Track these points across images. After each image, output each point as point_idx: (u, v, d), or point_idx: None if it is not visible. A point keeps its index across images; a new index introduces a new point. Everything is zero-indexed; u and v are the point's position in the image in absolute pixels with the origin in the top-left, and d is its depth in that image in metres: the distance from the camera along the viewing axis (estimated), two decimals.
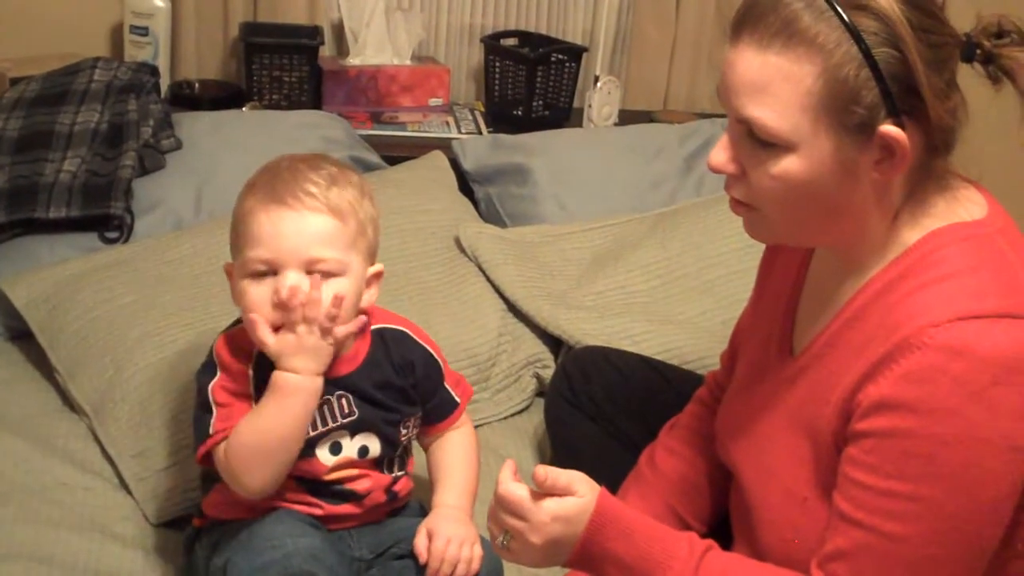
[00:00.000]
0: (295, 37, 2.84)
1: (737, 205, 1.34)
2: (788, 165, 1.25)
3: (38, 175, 2.30)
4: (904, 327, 1.23)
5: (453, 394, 1.70)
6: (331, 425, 1.57)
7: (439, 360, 1.70)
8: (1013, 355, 1.19)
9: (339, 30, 2.99)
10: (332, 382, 1.55)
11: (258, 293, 1.51)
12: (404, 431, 1.63)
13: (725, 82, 1.28)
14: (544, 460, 2.03)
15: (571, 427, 1.90)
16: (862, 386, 1.26)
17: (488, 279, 2.31)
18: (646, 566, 1.36)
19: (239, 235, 1.55)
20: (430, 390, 1.67)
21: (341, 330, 1.51)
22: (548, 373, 2.18)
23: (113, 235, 2.32)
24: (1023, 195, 2.03)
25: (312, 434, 1.55)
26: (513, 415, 2.17)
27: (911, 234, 1.30)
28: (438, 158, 2.62)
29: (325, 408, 1.56)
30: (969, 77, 1.31)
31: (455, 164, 2.65)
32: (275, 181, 1.54)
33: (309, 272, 1.50)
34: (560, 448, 1.92)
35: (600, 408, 1.87)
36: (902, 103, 1.22)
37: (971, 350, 1.19)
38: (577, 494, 1.37)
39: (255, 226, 1.52)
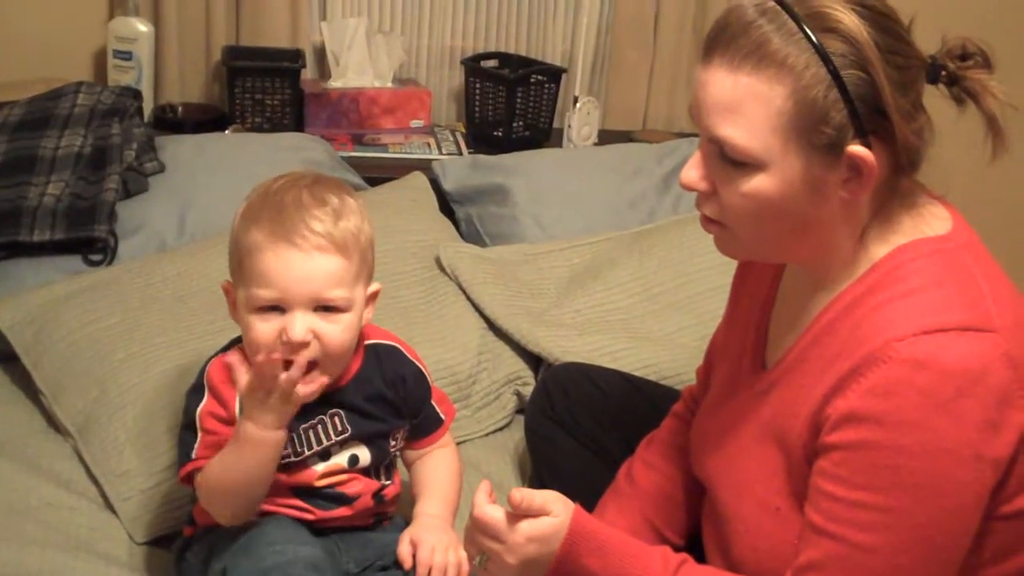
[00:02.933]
0: (277, 60, 2.86)
1: (708, 223, 1.37)
2: (758, 184, 1.28)
3: (22, 199, 2.32)
4: (870, 341, 1.26)
5: (439, 411, 1.74)
6: (324, 444, 1.60)
7: (428, 377, 1.73)
8: (976, 367, 1.22)
9: (321, 53, 3.02)
10: (324, 399, 1.58)
11: (264, 329, 1.53)
12: (393, 443, 1.67)
13: (697, 101, 1.30)
14: (524, 476, 2.05)
15: (551, 443, 1.92)
16: (830, 399, 1.29)
17: (468, 298, 2.34)
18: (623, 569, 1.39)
19: (244, 268, 1.56)
20: (418, 405, 1.70)
21: (304, 390, 1.51)
22: (528, 391, 2.20)
23: (97, 257, 2.34)
24: (987, 210, 2.06)
25: (307, 453, 1.59)
26: (494, 432, 2.20)
27: (878, 250, 1.33)
28: (418, 179, 2.65)
29: (319, 427, 1.60)
30: (935, 97, 1.34)
31: (436, 184, 2.68)
32: (281, 216, 1.54)
33: (316, 309, 1.53)
34: (540, 464, 1.95)
35: (580, 424, 1.89)
36: (869, 124, 1.25)
37: (935, 363, 1.22)
38: (552, 514, 1.40)
39: (262, 264, 1.53)
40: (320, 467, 1.60)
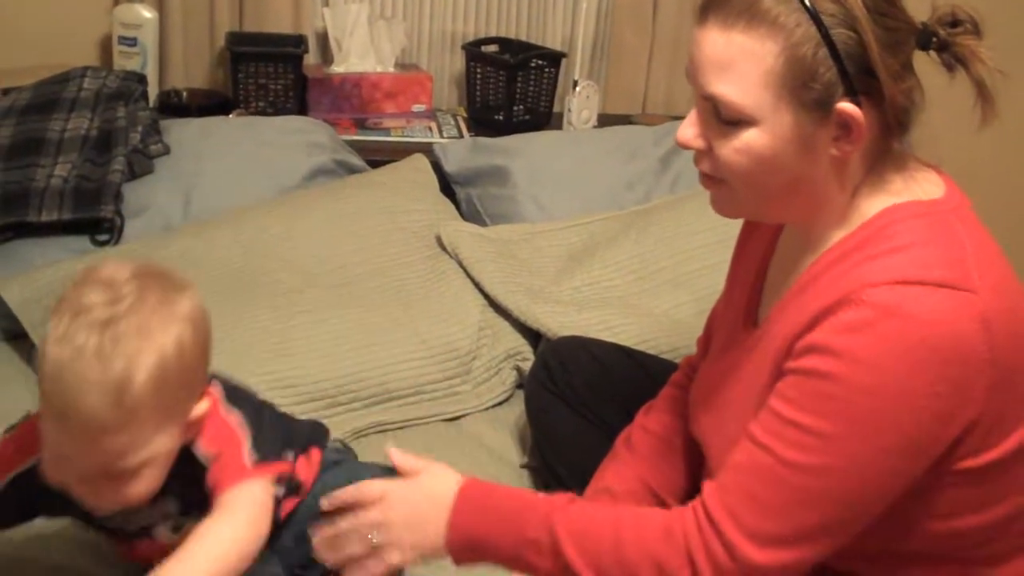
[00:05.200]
0: (280, 46, 2.90)
1: (706, 180, 1.40)
2: (750, 139, 1.31)
3: (30, 180, 2.36)
4: (848, 287, 1.29)
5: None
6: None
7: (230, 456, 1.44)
8: (946, 322, 1.24)
9: (323, 39, 3.06)
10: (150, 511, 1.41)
11: (62, 470, 1.31)
12: None
13: (692, 61, 1.34)
14: (525, 448, 2.09)
15: (551, 415, 1.95)
16: (801, 336, 1.31)
17: (469, 276, 2.37)
18: (514, 526, 1.42)
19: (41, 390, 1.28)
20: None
21: None
22: (528, 366, 2.23)
23: (104, 238, 2.39)
24: (980, 180, 2.10)
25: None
26: (494, 406, 2.23)
27: (869, 209, 1.36)
28: (420, 160, 2.69)
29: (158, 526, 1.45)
30: (926, 65, 1.37)
31: (437, 167, 2.71)
32: (58, 385, 1.24)
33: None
34: (540, 435, 1.97)
35: (579, 396, 1.92)
36: (858, 82, 1.28)
37: (906, 311, 1.24)
38: (427, 471, 1.47)
39: (44, 429, 1.29)
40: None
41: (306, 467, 1.54)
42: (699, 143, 1.36)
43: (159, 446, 1.31)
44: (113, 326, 1.25)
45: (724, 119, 1.32)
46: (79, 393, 1.23)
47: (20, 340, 2.24)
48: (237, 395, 1.46)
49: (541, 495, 1.49)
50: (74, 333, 1.24)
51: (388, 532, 1.43)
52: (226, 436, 1.40)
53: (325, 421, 2.02)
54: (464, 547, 1.43)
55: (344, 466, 1.60)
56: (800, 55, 1.27)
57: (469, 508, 1.43)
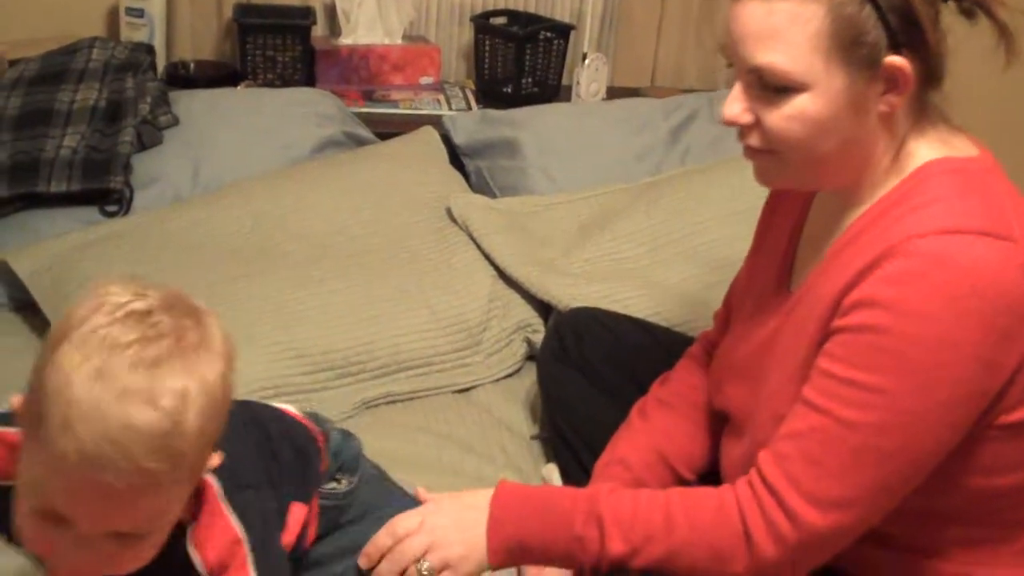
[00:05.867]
0: (288, 17, 2.89)
1: (752, 152, 1.39)
2: (802, 105, 1.31)
3: (39, 151, 2.36)
4: (892, 239, 1.29)
5: None
6: None
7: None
8: (991, 271, 1.25)
9: (331, 10, 3.04)
10: None
11: (40, 538, 1.14)
12: None
13: (733, 36, 1.33)
14: (535, 419, 2.09)
15: (564, 385, 1.94)
16: (847, 292, 1.32)
17: (479, 247, 2.37)
18: (559, 523, 1.41)
19: (41, 447, 1.08)
20: None
21: None
22: (538, 338, 2.23)
23: (113, 208, 2.39)
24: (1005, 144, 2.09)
25: None
26: (504, 378, 2.23)
27: (909, 164, 1.37)
28: (429, 133, 2.68)
29: None
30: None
31: (446, 139, 2.71)
32: (92, 426, 1.06)
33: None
34: (553, 405, 1.96)
35: (592, 366, 1.91)
36: (902, 35, 1.29)
37: (952, 260, 1.25)
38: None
39: (40, 478, 1.10)
40: None
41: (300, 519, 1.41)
42: (747, 118, 1.35)
43: (177, 503, 1.16)
44: (159, 366, 1.09)
45: (772, 88, 1.31)
46: (122, 439, 1.06)
47: (28, 310, 2.25)
48: (238, 480, 1.28)
49: (580, 489, 1.48)
50: (115, 371, 1.07)
51: (439, 551, 1.41)
52: (229, 546, 1.25)
53: (334, 392, 2.06)
54: (508, 550, 1.43)
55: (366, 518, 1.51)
56: (846, 14, 1.28)
57: (509, 511, 1.43)
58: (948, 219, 1.28)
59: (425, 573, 1.41)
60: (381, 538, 1.43)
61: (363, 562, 1.44)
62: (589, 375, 1.92)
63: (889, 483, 1.31)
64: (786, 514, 1.32)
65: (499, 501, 1.43)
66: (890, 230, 1.31)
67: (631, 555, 1.38)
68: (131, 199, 2.40)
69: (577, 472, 1.82)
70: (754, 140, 1.37)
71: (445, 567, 1.41)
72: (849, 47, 1.29)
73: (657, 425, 1.69)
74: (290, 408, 1.49)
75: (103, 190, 2.37)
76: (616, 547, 1.38)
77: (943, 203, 1.31)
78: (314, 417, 1.51)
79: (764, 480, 1.34)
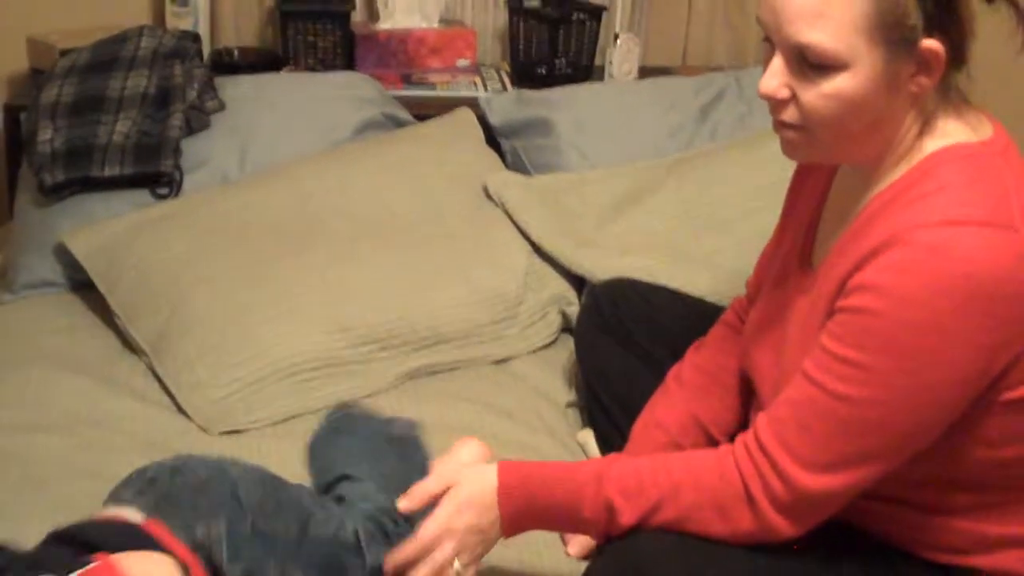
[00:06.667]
0: (328, 4, 2.96)
1: (784, 128, 1.42)
2: (840, 83, 1.35)
3: (93, 137, 2.45)
4: (896, 227, 1.34)
5: None
6: None
7: None
8: (989, 260, 1.30)
9: None
10: None
11: None
12: None
13: (776, 13, 1.36)
14: (571, 387, 2.17)
15: (600, 352, 1.99)
16: (852, 274, 1.37)
17: (514, 223, 2.44)
18: (568, 501, 1.47)
19: None
20: None
21: None
22: (573, 311, 2.31)
23: (164, 191, 2.47)
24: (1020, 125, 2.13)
25: None
26: (540, 349, 2.31)
27: (926, 147, 1.41)
28: (466, 114, 2.75)
29: None
30: None
31: (482, 120, 2.77)
32: None
33: None
34: (590, 372, 2.02)
35: (629, 333, 1.96)
36: (937, 19, 1.33)
37: (951, 251, 1.30)
38: (459, 482, 1.49)
39: None
40: None
41: None
42: (784, 92, 1.38)
43: None
44: None
45: (812, 65, 1.35)
46: None
47: (86, 289, 2.35)
48: None
49: (583, 467, 1.54)
50: None
51: (469, 552, 1.48)
52: None
53: (378, 364, 2.13)
54: (519, 531, 1.51)
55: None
56: None
57: (516, 502, 1.47)
58: (951, 210, 1.32)
59: (458, 569, 1.47)
60: (408, 548, 1.47)
61: (388, 568, 1.47)
62: (625, 342, 1.96)
63: (877, 452, 1.36)
64: (778, 475, 1.38)
65: (504, 490, 1.47)
66: (897, 217, 1.35)
67: (642, 523, 1.43)
68: (181, 182, 2.48)
69: (614, 436, 1.88)
70: (788, 115, 1.40)
71: (472, 564, 1.49)
72: (891, 29, 1.32)
73: (693, 390, 1.75)
74: None
75: (154, 173, 2.45)
76: (627, 520, 1.43)
77: (949, 192, 1.35)
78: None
79: (759, 441, 1.40)
